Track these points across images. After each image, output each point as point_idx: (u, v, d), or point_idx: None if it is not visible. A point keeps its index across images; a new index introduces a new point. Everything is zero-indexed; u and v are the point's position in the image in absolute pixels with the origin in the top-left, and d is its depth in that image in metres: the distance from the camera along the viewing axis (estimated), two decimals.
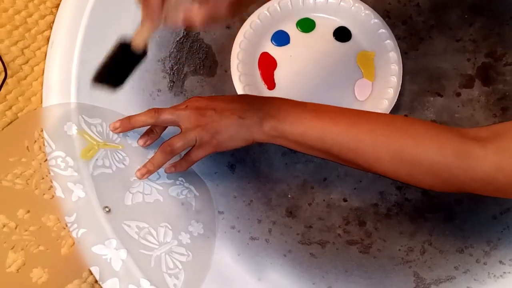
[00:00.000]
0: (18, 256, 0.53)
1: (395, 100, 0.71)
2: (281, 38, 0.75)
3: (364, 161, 0.57)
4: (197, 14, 0.47)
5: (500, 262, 0.65)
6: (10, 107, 0.61)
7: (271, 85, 0.73)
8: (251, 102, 0.61)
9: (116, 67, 0.51)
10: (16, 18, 0.64)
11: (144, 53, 0.50)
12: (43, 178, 0.57)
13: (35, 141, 0.58)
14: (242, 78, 0.72)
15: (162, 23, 0.47)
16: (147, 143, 0.64)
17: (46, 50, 0.64)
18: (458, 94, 0.73)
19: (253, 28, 0.74)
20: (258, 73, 0.74)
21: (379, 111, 0.71)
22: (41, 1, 0.66)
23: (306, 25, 0.76)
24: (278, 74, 0.74)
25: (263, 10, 0.74)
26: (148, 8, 0.47)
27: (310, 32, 0.76)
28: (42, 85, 0.63)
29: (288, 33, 0.75)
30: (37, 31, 0.65)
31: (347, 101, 0.73)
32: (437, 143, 0.55)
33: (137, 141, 0.64)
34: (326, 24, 0.76)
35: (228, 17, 0.48)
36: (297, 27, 0.76)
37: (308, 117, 0.59)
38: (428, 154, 0.54)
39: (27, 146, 0.58)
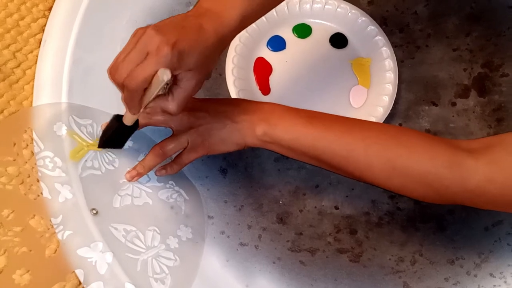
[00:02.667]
0: (1, 257, 0.52)
1: (390, 107, 0.71)
2: (277, 43, 0.75)
3: (356, 169, 0.57)
4: (171, 103, 0.53)
5: (491, 275, 0.64)
6: (2, 111, 0.60)
7: (266, 90, 0.73)
8: (244, 106, 0.61)
9: (114, 136, 0.60)
10: (8, 21, 0.64)
11: (135, 126, 0.58)
12: (30, 180, 0.57)
13: (24, 140, 0.58)
14: (236, 83, 0.71)
15: (142, 111, 0.54)
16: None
17: (39, 53, 0.64)
18: (454, 104, 0.73)
19: (249, 33, 0.73)
20: (253, 78, 0.73)
21: (373, 118, 0.70)
22: (34, 4, 0.65)
23: (303, 30, 0.75)
24: (273, 80, 0.73)
25: None
26: (128, 105, 0.53)
27: (306, 38, 0.75)
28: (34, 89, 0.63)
29: (284, 38, 0.75)
30: (29, 34, 0.64)
31: (342, 107, 0.72)
32: (429, 154, 0.54)
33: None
34: (322, 30, 0.75)
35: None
36: (293, 33, 0.75)
37: (301, 124, 0.58)
38: (421, 164, 0.54)
39: (15, 146, 0.57)
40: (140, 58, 0.49)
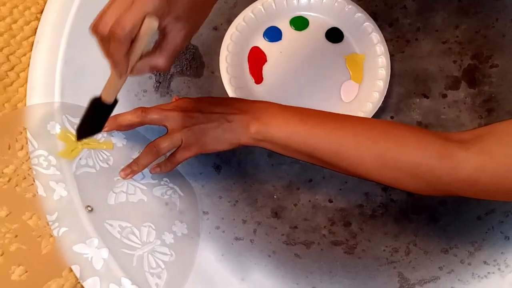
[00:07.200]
0: None
1: (380, 103, 0.71)
2: (273, 34, 0.75)
3: (348, 164, 0.57)
4: (160, 58, 0.50)
5: (484, 262, 0.64)
6: None
7: (258, 79, 0.73)
8: (238, 106, 0.61)
9: (91, 120, 0.55)
10: (0, 24, 0.64)
11: (115, 102, 0.54)
12: (25, 178, 0.57)
13: (17, 139, 0.58)
14: (229, 70, 0.72)
15: (129, 73, 0.50)
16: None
17: (31, 54, 0.64)
18: (444, 96, 0.74)
19: (246, 22, 0.74)
20: (246, 66, 0.74)
21: (362, 113, 0.71)
22: (26, 7, 0.66)
23: (300, 23, 0.76)
24: (267, 69, 0.74)
25: (257, 5, 0.74)
26: (114, 62, 0.48)
27: (303, 31, 0.76)
28: None
29: (281, 29, 0.75)
30: (22, 37, 0.65)
31: (332, 101, 0.73)
32: (420, 146, 0.55)
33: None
34: (319, 24, 0.76)
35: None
36: (290, 25, 0.76)
37: (293, 121, 0.59)
38: (411, 156, 0.55)
39: (9, 145, 0.58)
40: (126, 4, 0.45)
